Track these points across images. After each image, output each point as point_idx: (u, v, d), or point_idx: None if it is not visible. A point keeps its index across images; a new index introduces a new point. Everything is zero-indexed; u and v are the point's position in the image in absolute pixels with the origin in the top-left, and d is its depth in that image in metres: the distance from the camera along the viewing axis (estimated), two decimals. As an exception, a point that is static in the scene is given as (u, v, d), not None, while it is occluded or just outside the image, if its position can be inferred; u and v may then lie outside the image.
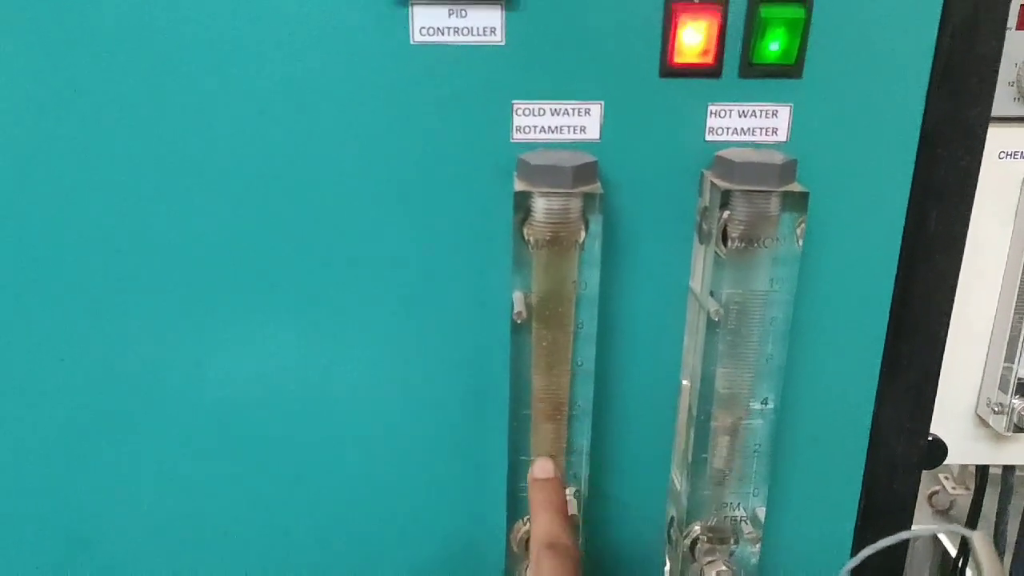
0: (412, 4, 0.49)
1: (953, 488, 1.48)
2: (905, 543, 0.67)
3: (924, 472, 0.64)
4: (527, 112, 0.52)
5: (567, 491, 0.56)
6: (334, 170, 0.52)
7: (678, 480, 0.59)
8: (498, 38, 0.50)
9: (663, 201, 0.54)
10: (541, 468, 0.54)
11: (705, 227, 0.52)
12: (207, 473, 0.60)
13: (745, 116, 0.52)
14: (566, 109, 0.52)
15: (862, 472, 0.61)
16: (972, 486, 0.84)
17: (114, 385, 0.57)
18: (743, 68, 0.51)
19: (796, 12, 0.49)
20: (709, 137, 0.52)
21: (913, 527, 0.64)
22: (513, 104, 0.51)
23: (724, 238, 0.50)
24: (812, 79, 0.51)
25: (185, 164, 0.52)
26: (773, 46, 0.50)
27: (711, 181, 0.51)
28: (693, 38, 0.50)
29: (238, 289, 0.55)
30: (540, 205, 0.49)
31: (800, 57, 0.51)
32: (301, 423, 0.59)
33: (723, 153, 0.51)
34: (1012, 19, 0.58)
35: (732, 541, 0.57)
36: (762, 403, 0.54)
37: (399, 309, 0.56)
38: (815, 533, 0.63)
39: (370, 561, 0.63)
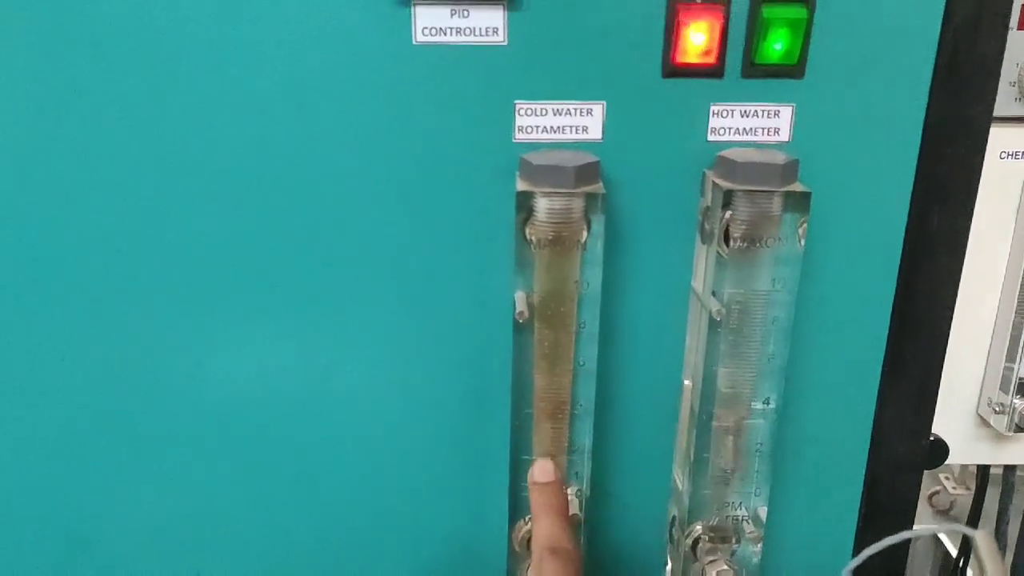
0: (414, 4, 0.49)
1: (954, 488, 1.48)
2: (907, 543, 0.67)
3: (925, 472, 0.64)
4: (529, 112, 0.52)
5: (569, 490, 0.56)
6: (336, 170, 0.52)
7: (680, 479, 0.59)
8: (500, 38, 0.50)
9: (665, 201, 0.54)
10: (541, 471, 0.54)
11: (707, 227, 0.52)
12: (207, 473, 0.60)
13: (747, 116, 0.52)
14: (568, 109, 0.52)
15: (864, 472, 0.62)
16: (972, 486, 0.84)
17: (115, 385, 0.57)
18: (745, 68, 0.51)
19: (798, 12, 0.49)
20: (711, 137, 0.52)
21: (914, 527, 0.64)
22: (515, 104, 0.51)
23: (726, 238, 0.50)
24: (814, 79, 0.51)
25: (186, 164, 0.52)
26: (776, 46, 0.50)
27: (713, 181, 0.51)
28: (695, 38, 0.50)
29: (238, 288, 0.55)
30: (542, 205, 0.49)
31: (802, 57, 0.51)
32: (302, 423, 0.59)
33: (725, 153, 0.51)
34: (1014, 19, 0.58)
35: (734, 540, 0.57)
36: (764, 403, 0.54)
37: (401, 309, 0.56)
38: (817, 533, 0.63)
39: (371, 561, 0.63)
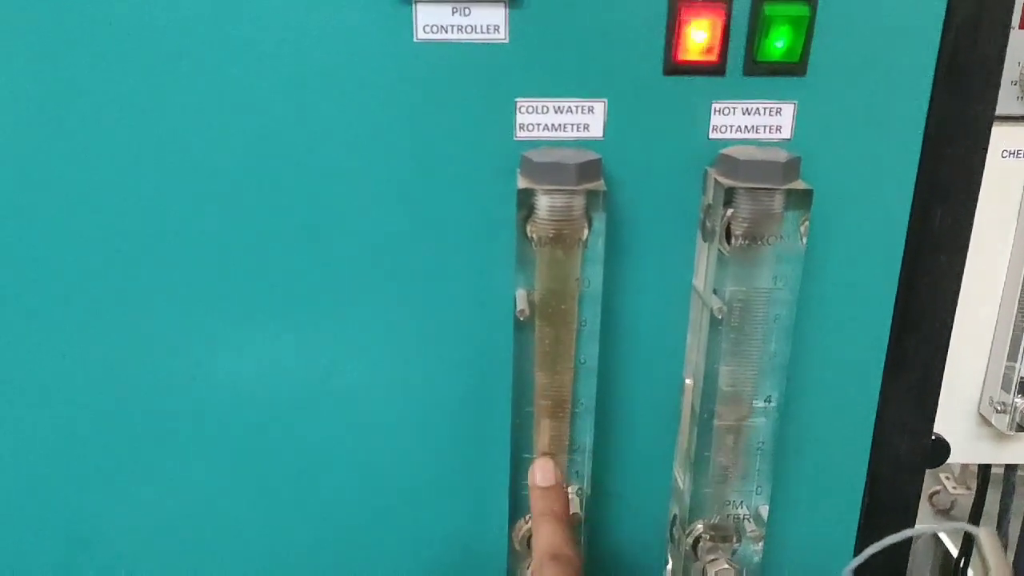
0: (415, 2, 0.49)
1: (954, 488, 1.48)
2: (908, 542, 0.66)
3: (925, 472, 0.64)
4: (530, 110, 0.52)
5: (569, 489, 0.55)
6: (336, 168, 0.52)
7: (681, 478, 0.59)
8: (501, 36, 0.50)
9: (667, 199, 0.54)
10: (543, 475, 0.54)
11: (709, 225, 0.52)
12: (207, 472, 0.60)
13: (749, 114, 0.52)
14: (570, 107, 0.52)
15: (865, 471, 0.61)
16: (973, 486, 0.84)
17: (115, 384, 0.57)
18: (747, 66, 0.51)
19: (800, 10, 0.49)
20: (713, 135, 0.52)
21: (916, 527, 0.64)
22: (516, 102, 0.51)
23: (728, 236, 0.50)
24: (816, 77, 0.51)
25: (186, 162, 0.52)
26: (778, 44, 0.50)
27: (715, 179, 0.50)
28: (697, 36, 0.50)
29: (238, 287, 0.55)
30: (543, 202, 0.49)
31: (804, 55, 0.51)
32: (302, 422, 0.59)
33: (727, 151, 0.51)
34: (1015, 18, 0.58)
35: (735, 539, 0.57)
36: (765, 401, 0.54)
37: (401, 307, 0.56)
38: (818, 532, 0.63)
39: (371, 560, 0.63)
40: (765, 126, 0.52)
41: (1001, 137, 0.62)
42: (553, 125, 0.52)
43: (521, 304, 0.50)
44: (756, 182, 0.49)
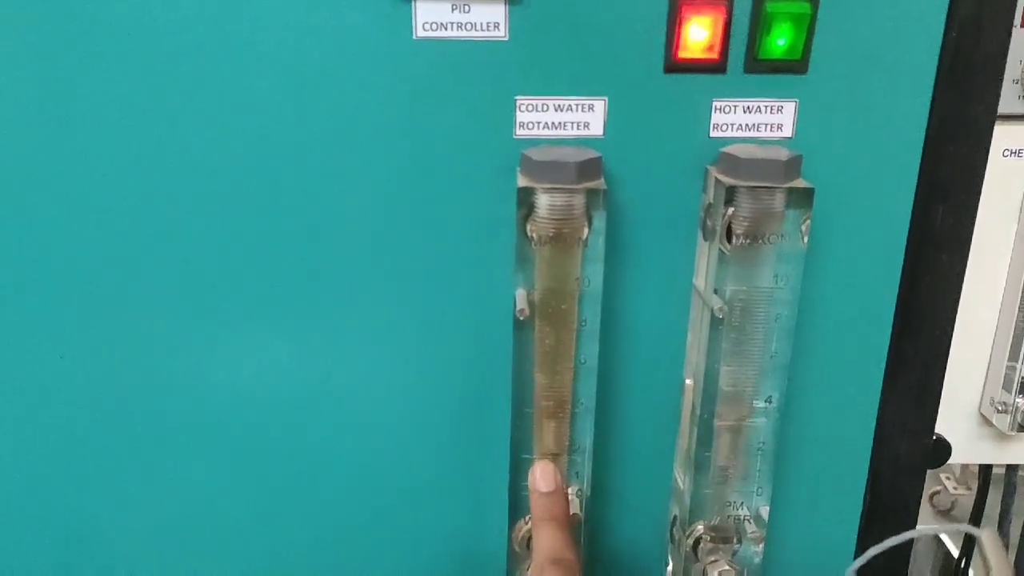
0: (415, -1, 0.49)
1: (955, 488, 1.48)
2: (909, 543, 0.66)
3: (926, 472, 0.63)
4: (530, 108, 0.51)
5: (569, 490, 0.55)
6: (335, 167, 0.52)
7: (681, 479, 0.59)
8: (501, 33, 0.50)
9: (667, 197, 0.53)
10: (544, 479, 0.54)
11: (709, 224, 0.52)
12: (207, 472, 0.59)
13: (750, 112, 0.52)
14: (570, 105, 0.51)
15: (866, 471, 0.61)
16: (974, 486, 0.84)
17: (115, 384, 0.57)
18: (748, 64, 0.51)
19: (802, 7, 0.49)
20: (714, 133, 0.52)
21: (917, 527, 0.64)
22: (516, 100, 0.51)
23: (728, 235, 0.50)
24: (818, 75, 0.51)
25: (184, 162, 0.51)
26: (779, 41, 0.50)
27: (716, 177, 0.50)
28: (698, 33, 0.49)
29: (237, 287, 0.55)
30: (543, 201, 0.49)
31: (806, 53, 0.50)
32: (302, 422, 0.58)
33: (728, 149, 0.51)
34: (1018, 17, 0.58)
35: (735, 540, 0.57)
36: (766, 401, 0.54)
37: (400, 306, 0.56)
38: (819, 532, 0.63)
39: (371, 561, 0.62)
40: (766, 124, 0.52)
41: (1003, 136, 0.62)
42: (553, 123, 0.52)
43: (521, 303, 0.50)
44: (757, 181, 0.49)
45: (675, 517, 0.60)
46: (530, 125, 0.52)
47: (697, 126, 0.52)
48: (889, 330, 0.57)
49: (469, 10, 0.49)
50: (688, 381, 0.57)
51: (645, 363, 0.57)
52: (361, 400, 0.58)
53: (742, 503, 0.56)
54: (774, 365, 0.53)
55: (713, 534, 0.56)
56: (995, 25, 0.51)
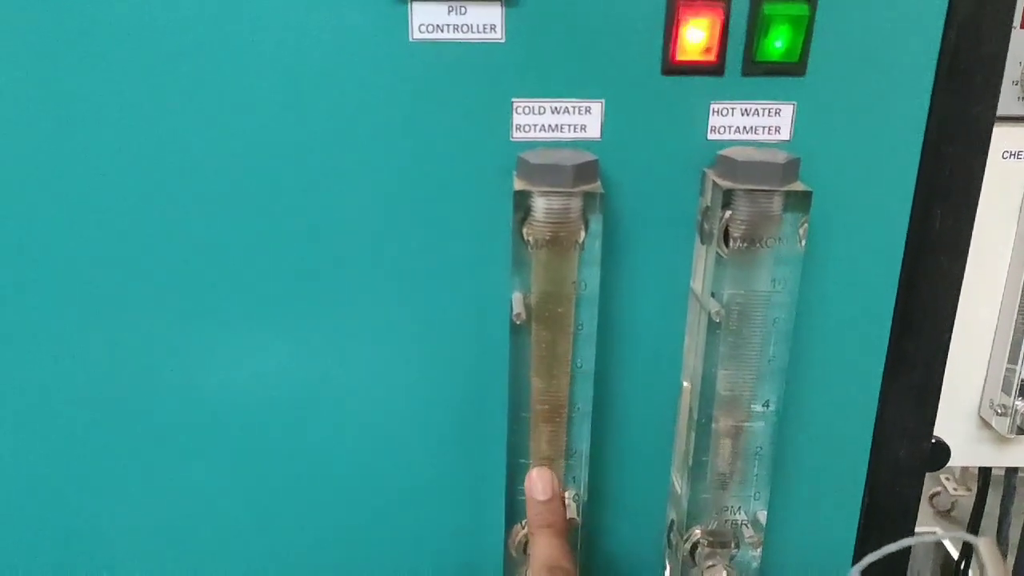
0: (411, 1, 0.48)
1: (955, 489, 1.48)
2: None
3: (925, 475, 0.63)
4: (527, 110, 0.51)
5: (566, 495, 0.55)
6: (332, 169, 0.52)
7: (678, 483, 0.58)
8: (498, 35, 0.49)
9: (664, 200, 0.53)
10: (542, 487, 0.53)
11: (707, 227, 0.51)
12: (206, 473, 0.59)
13: (748, 114, 0.51)
14: (566, 107, 0.51)
15: (865, 474, 0.61)
16: (973, 487, 0.84)
17: (114, 385, 0.56)
18: (746, 66, 0.50)
19: (800, 9, 0.49)
20: (711, 136, 0.52)
21: (916, 529, 0.64)
22: (513, 102, 0.51)
23: (726, 238, 0.50)
24: (816, 77, 0.51)
25: (182, 163, 0.51)
26: (777, 44, 0.49)
27: (713, 180, 0.50)
28: (695, 35, 0.49)
29: (235, 288, 0.54)
30: (540, 204, 0.48)
31: (804, 55, 0.50)
32: (300, 424, 0.58)
33: (725, 152, 0.50)
34: (1017, 18, 0.58)
35: (733, 545, 0.56)
36: (764, 405, 0.54)
37: (397, 309, 0.55)
38: (817, 537, 0.62)
39: (369, 562, 0.62)
40: (764, 127, 0.52)
41: (1002, 138, 0.62)
42: (550, 126, 0.51)
43: (517, 307, 0.50)
44: (755, 184, 0.49)
45: (672, 522, 0.59)
46: (527, 127, 0.51)
47: (694, 128, 0.52)
48: (888, 332, 0.57)
49: (465, 12, 0.49)
50: (685, 385, 0.57)
51: (642, 367, 0.57)
52: (358, 402, 0.58)
53: (740, 507, 0.56)
54: (772, 369, 0.53)
55: (711, 539, 0.56)
56: (994, 26, 0.51)
